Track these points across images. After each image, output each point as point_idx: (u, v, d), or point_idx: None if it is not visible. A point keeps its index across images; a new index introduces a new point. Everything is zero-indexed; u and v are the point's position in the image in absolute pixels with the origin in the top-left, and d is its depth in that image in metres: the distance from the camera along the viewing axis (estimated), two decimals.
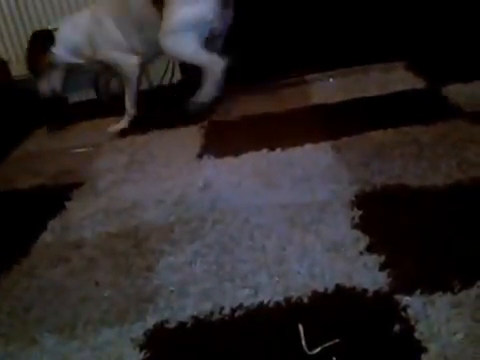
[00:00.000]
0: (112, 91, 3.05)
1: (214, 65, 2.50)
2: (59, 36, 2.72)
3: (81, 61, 2.77)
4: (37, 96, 3.11)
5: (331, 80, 2.77)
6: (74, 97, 3.40)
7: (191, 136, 2.34)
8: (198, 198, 1.79)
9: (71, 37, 2.74)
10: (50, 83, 2.79)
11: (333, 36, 2.71)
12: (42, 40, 2.71)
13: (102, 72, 2.96)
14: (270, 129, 2.27)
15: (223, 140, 2.26)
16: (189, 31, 2.50)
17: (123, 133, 2.64)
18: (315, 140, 2.05)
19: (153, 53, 2.77)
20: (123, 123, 2.73)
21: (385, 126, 2.03)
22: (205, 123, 2.53)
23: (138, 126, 2.65)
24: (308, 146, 2.03)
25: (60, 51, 2.72)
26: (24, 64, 3.00)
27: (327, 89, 2.65)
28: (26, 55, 2.78)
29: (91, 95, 3.39)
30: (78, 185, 2.07)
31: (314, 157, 1.93)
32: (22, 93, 3.14)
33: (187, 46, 2.54)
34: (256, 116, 2.42)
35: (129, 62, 2.72)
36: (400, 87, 2.44)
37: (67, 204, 1.93)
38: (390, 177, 1.68)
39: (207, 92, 2.56)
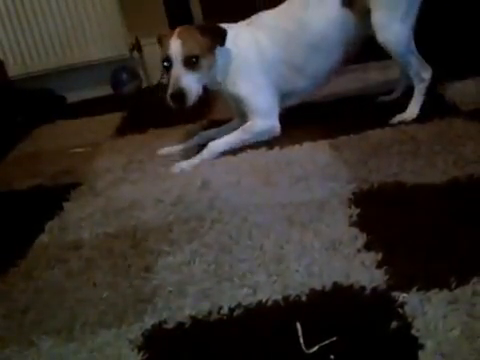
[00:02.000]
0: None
1: (424, 70, 2.10)
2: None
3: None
4: (36, 96, 3.13)
5: None
6: (73, 97, 3.42)
7: (190, 135, 2.35)
8: (197, 197, 1.79)
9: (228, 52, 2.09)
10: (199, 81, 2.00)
11: None
12: (218, 34, 2.03)
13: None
14: None
15: None
16: (407, 18, 2.04)
17: (121, 132, 2.64)
18: (313, 139, 2.06)
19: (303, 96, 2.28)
20: (192, 162, 2.07)
21: (383, 124, 2.04)
22: (204, 122, 2.54)
23: (136, 125, 2.66)
24: (306, 145, 2.03)
25: (221, 58, 2.07)
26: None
27: (325, 87, 2.66)
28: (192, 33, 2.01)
29: (90, 94, 3.42)
30: (76, 185, 2.08)
31: (312, 156, 1.94)
32: (19, 93, 3.16)
33: (406, 38, 2.06)
34: None
35: (272, 125, 2.14)
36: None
37: (65, 205, 1.93)
38: (387, 175, 1.68)
39: (413, 107, 2.11)
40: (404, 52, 2.07)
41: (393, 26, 2.03)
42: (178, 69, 1.96)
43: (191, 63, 1.96)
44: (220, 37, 2.01)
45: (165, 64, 1.99)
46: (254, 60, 2.13)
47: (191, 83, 1.95)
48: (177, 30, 2.02)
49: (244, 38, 2.14)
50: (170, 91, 1.94)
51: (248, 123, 2.13)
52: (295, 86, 2.20)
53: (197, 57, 1.97)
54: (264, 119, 2.13)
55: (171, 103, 1.95)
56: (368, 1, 2.05)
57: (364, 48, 2.19)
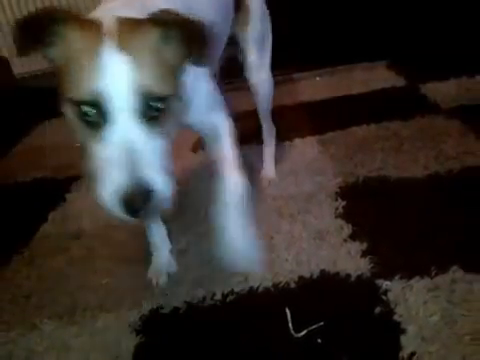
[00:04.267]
0: None
1: (272, 131, 1.90)
2: None
3: None
4: (40, 94, 3.09)
5: (317, 78, 2.77)
6: None
7: (187, 131, 2.33)
8: (192, 190, 1.78)
9: None
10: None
11: (320, 37, 2.71)
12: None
13: None
14: (259, 124, 2.26)
15: None
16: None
17: None
18: (302, 135, 2.06)
19: None
20: None
21: (368, 122, 2.03)
22: None
23: None
24: (296, 140, 2.03)
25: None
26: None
27: (314, 87, 2.65)
28: None
29: None
30: (78, 178, 2.06)
31: (301, 151, 1.93)
32: (24, 90, 3.13)
33: (272, 87, 1.80)
34: (246, 112, 2.41)
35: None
36: (382, 85, 2.44)
37: (67, 196, 1.92)
38: (372, 169, 1.68)
39: (270, 168, 1.84)
40: (269, 100, 1.81)
41: (264, 72, 1.76)
42: (129, 130, 0.93)
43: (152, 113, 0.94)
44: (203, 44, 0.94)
45: (87, 112, 0.92)
46: None
47: (160, 169, 0.97)
48: (112, 26, 0.92)
49: None
50: (116, 187, 0.93)
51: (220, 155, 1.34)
52: None
53: (165, 99, 0.94)
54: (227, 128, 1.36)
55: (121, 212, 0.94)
56: (242, 36, 1.69)
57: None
